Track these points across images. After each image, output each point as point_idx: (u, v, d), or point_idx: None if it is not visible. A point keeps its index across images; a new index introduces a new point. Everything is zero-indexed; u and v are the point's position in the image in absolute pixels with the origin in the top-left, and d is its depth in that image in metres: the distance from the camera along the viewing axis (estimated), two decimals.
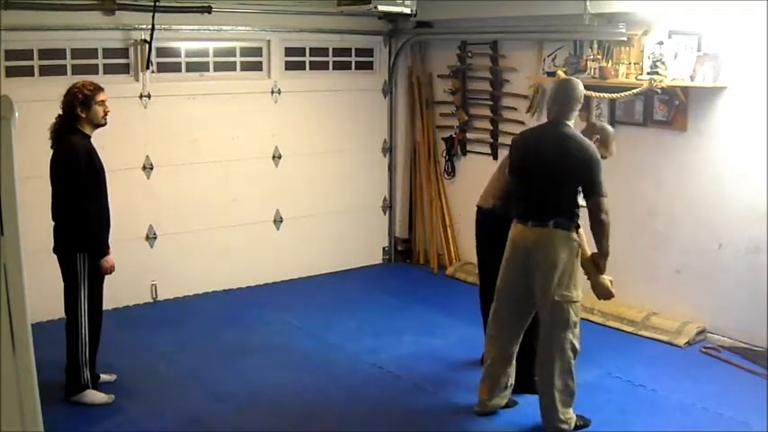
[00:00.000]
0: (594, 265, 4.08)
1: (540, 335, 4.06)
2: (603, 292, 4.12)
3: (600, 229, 3.90)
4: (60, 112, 4.20)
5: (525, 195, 4.05)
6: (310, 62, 6.88)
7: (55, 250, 4.25)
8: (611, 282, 4.11)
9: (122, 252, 4.92)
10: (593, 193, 3.88)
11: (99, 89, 4.23)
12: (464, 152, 7.16)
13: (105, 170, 4.28)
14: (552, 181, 3.93)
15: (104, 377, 4.57)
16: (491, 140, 6.86)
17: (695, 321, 5.43)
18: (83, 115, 4.17)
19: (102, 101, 4.22)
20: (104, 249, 4.25)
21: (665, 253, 5.62)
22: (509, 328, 4.17)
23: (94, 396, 4.34)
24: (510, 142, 4.32)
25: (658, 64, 5.16)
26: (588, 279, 4.12)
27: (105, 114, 4.25)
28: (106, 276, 4.35)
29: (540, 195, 3.97)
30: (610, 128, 4.52)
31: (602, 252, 3.98)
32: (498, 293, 4.18)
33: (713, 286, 5.35)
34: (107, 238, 4.30)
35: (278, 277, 6.79)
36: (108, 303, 4.68)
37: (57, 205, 4.20)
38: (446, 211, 7.30)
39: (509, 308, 4.14)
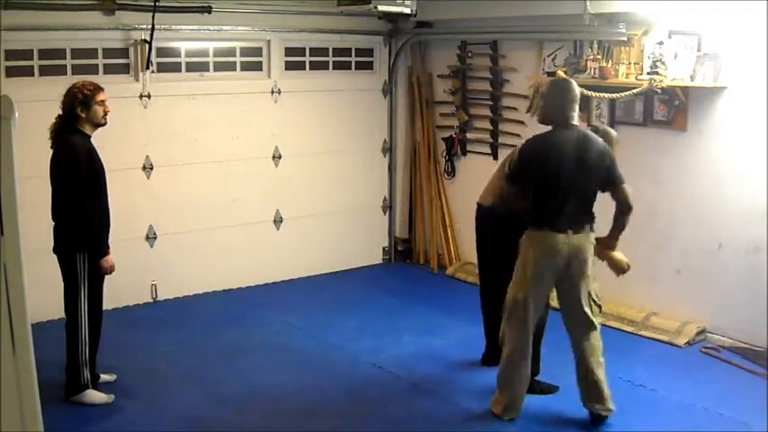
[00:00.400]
0: (606, 247, 4.21)
1: (580, 333, 4.11)
2: (621, 266, 4.24)
3: (629, 213, 4.09)
4: (60, 112, 4.20)
5: (558, 204, 3.98)
6: (310, 62, 6.88)
7: (55, 250, 4.25)
8: (622, 254, 4.25)
9: (122, 252, 4.92)
10: (619, 182, 4.06)
11: (99, 89, 4.22)
12: (464, 152, 7.16)
13: (105, 170, 4.28)
14: (587, 185, 4.00)
15: (104, 377, 4.57)
16: (491, 140, 6.86)
17: (695, 321, 5.43)
18: (83, 115, 4.16)
19: (102, 101, 4.22)
20: (104, 249, 4.25)
21: (665, 253, 5.62)
22: (531, 332, 4.18)
23: (94, 396, 4.34)
24: (522, 152, 4.17)
25: (658, 64, 5.16)
26: (603, 260, 4.25)
27: (105, 114, 4.24)
28: (106, 276, 4.35)
29: (576, 202, 3.99)
30: (613, 132, 4.50)
31: (619, 234, 4.14)
32: (529, 303, 4.08)
33: (713, 286, 5.35)
34: (107, 238, 4.30)
35: (278, 277, 6.79)
36: (108, 303, 4.68)
37: (57, 205, 4.20)
38: (446, 211, 7.30)
39: (535, 314, 4.14)
